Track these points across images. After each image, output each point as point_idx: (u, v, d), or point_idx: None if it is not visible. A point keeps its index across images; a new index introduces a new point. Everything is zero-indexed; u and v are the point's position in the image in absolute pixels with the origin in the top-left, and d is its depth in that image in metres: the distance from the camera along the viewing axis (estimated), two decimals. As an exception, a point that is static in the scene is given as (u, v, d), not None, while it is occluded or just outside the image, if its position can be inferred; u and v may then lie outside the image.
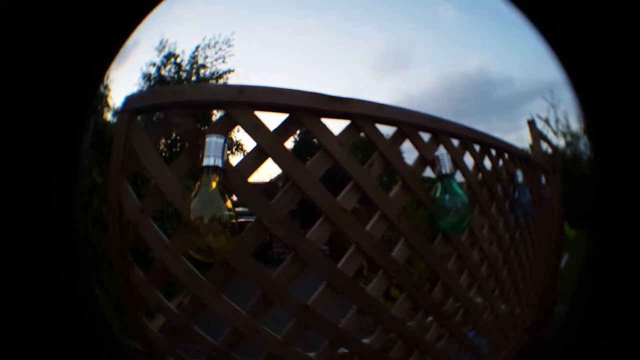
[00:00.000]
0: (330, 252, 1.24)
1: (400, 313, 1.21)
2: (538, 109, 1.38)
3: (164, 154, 1.18)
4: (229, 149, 1.05)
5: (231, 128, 1.07)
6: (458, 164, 1.32)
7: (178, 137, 1.21)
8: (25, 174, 0.63)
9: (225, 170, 1.02)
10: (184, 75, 1.31)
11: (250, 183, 1.07)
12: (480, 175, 1.43)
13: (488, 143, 1.46)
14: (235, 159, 1.08)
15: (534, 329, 1.50)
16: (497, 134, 1.49)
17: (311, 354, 1.12)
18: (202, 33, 1.27)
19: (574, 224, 1.44)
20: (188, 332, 1.08)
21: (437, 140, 1.30)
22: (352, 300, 1.15)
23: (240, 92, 1.07)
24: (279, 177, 1.21)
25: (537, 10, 0.74)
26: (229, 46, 1.26)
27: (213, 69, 1.29)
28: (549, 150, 1.53)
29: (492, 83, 1.47)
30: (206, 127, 1.08)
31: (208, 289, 1.05)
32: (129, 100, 1.13)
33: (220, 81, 1.29)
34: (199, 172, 1.00)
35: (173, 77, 1.29)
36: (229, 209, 0.98)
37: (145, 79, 1.24)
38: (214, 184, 0.99)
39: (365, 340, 1.18)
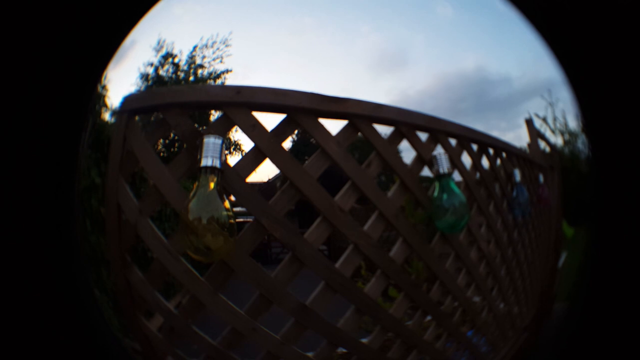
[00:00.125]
0: (329, 252, 1.24)
1: (398, 313, 1.22)
2: (536, 107, 1.37)
3: (162, 155, 1.17)
4: (226, 150, 1.05)
5: (229, 128, 1.08)
6: (456, 163, 1.32)
7: (176, 138, 1.21)
8: (23, 174, 0.63)
9: (223, 170, 1.02)
10: (181, 75, 1.31)
11: (248, 183, 1.07)
12: (478, 174, 1.43)
13: (486, 142, 1.46)
14: (233, 160, 1.08)
15: (532, 327, 1.50)
16: (495, 133, 1.49)
17: (309, 354, 1.12)
18: (199, 33, 1.27)
19: (572, 222, 1.44)
20: (187, 332, 1.08)
21: (434, 139, 1.30)
22: (350, 300, 1.15)
23: (238, 92, 1.07)
24: (277, 178, 1.21)
25: (534, 8, 0.74)
26: (227, 46, 1.26)
27: (211, 69, 1.29)
28: (547, 149, 1.52)
29: (489, 82, 1.47)
30: (204, 128, 1.08)
31: (206, 289, 1.05)
32: (127, 100, 1.13)
33: (218, 81, 1.29)
34: (197, 172, 1.01)
35: (171, 77, 1.29)
36: (227, 210, 0.98)
37: (143, 79, 1.24)
38: (212, 185, 0.99)
39: (364, 340, 1.19)
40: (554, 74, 0.77)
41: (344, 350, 1.16)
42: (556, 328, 0.88)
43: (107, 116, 1.13)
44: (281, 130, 1.10)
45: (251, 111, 1.07)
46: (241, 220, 1.05)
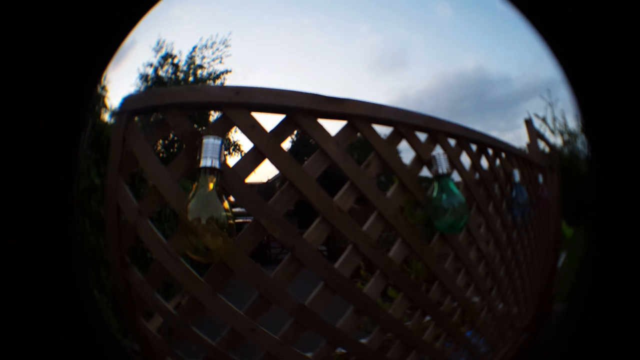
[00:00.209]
0: (328, 253, 1.24)
1: (397, 313, 1.22)
2: (535, 107, 1.37)
3: (161, 155, 1.17)
4: (226, 150, 1.05)
5: (228, 129, 1.08)
6: (455, 163, 1.32)
7: (175, 138, 1.21)
8: (23, 174, 0.63)
9: (222, 171, 1.02)
10: (181, 75, 1.31)
11: (247, 184, 1.07)
12: (477, 174, 1.43)
13: (485, 142, 1.46)
14: (232, 160, 1.08)
15: (531, 327, 1.50)
16: (494, 133, 1.49)
17: (309, 354, 1.12)
18: (199, 33, 1.27)
19: (571, 223, 1.44)
20: (186, 332, 1.08)
21: (433, 140, 1.30)
22: (349, 301, 1.15)
23: (237, 93, 1.08)
24: (276, 178, 1.21)
25: (534, 8, 0.74)
26: (226, 46, 1.26)
27: (210, 70, 1.29)
28: (547, 149, 1.52)
29: (489, 82, 1.47)
30: (203, 128, 1.08)
31: (206, 289, 1.05)
32: (127, 101, 1.13)
33: (218, 82, 1.29)
34: (196, 173, 1.01)
35: (170, 78, 1.29)
36: (226, 210, 0.98)
37: (143, 79, 1.24)
38: (211, 185, 0.99)
39: (363, 340, 1.19)
40: (553, 73, 0.77)
41: (343, 351, 1.16)
42: (555, 328, 0.88)
43: (106, 117, 1.13)
44: (280, 131, 1.10)
45: (250, 112, 1.07)
46: (240, 220, 1.05)
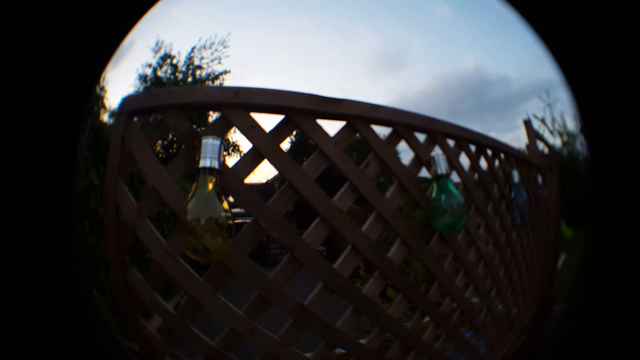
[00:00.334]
0: (327, 253, 1.24)
1: (396, 313, 1.22)
2: (534, 108, 1.37)
3: (160, 156, 1.18)
4: (225, 151, 1.05)
5: (227, 130, 1.08)
6: (454, 164, 1.33)
7: (174, 139, 1.21)
8: (22, 175, 0.63)
9: (221, 171, 1.02)
10: (180, 76, 1.31)
11: (246, 184, 1.07)
12: (476, 175, 1.44)
13: (484, 143, 1.46)
14: (231, 161, 1.08)
15: (531, 328, 1.50)
16: (493, 134, 1.50)
17: (308, 355, 1.12)
18: (198, 34, 1.27)
19: (571, 224, 1.44)
20: (185, 332, 1.08)
21: (432, 140, 1.30)
22: (348, 301, 1.15)
23: (236, 94, 1.08)
24: (275, 179, 1.21)
25: (533, 9, 0.74)
26: (225, 47, 1.26)
27: (209, 70, 1.29)
28: (546, 150, 1.53)
29: (488, 83, 1.47)
30: (202, 129, 1.08)
31: (205, 289, 1.05)
32: (126, 101, 1.13)
33: (217, 82, 1.29)
34: (195, 173, 1.01)
35: (169, 79, 1.29)
36: (225, 210, 0.98)
37: (142, 80, 1.24)
38: (210, 186, 0.99)
39: (362, 341, 1.19)
40: (552, 74, 0.77)
41: (343, 351, 1.17)
42: (555, 329, 0.88)
43: (105, 117, 1.13)
44: (279, 131, 1.10)
45: (249, 112, 1.07)
46: (240, 221, 1.05)
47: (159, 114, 1.11)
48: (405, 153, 1.26)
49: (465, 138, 1.39)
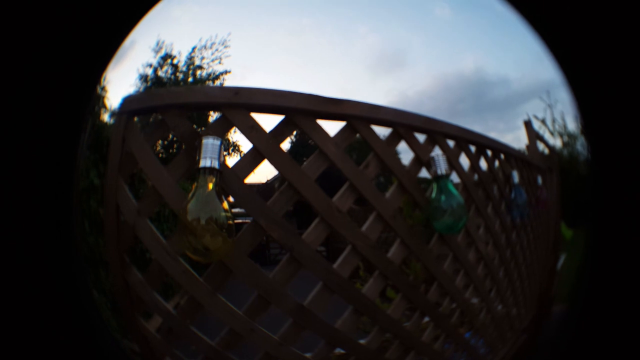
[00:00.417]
0: (327, 253, 1.24)
1: (396, 314, 1.22)
2: (535, 109, 1.37)
3: (160, 156, 1.17)
4: (225, 151, 1.06)
5: (227, 130, 1.08)
6: (454, 164, 1.33)
7: (175, 139, 1.21)
8: (23, 175, 0.63)
9: (221, 171, 1.02)
10: (180, 76, 1.31)
11: (246, 184, 1.07)
12: (476, 176, 1.44)
13: (484, 144, 1.46)
14: (231, 161, 1.08)
15: (531, 329, 1.50)
16: (493, 134, 1.50)
17: (307, 355, 1.12)
18: (198, 34, 1.27)
19: (571, 224, 1.44)
20: (185, 332, 1.08)
21: (432, 141, 1.30)
22: (348, 301, 1.15)
23: (236, 94, 1.08)
24: (275, 179, 1.21)
25: (533, 9, 0.74)
26: (225, 47, 1.26)
27: (209, 70, 1.29)
28: (546, 151, 1.53)
29: (488, 83, 1.47)
30: (203, 129, 1.08)
31: (205, 289, 1.05)
32: (126, 101, 1.13)
33: (217, 82, 1.29)
34: (195, 173, 1.01)
35: (170, 79, 1.29)
36: (225, 210, 0.99)
37: (142, 80, 1.24)
38: (210, 186, 1.00)
39: (362, 341, 1.19)
40: (552, 75, 0.77)
41: (342, 351, 1.17)
42: (555, 330, 0.88)
43: (106, 117, 1.13)
44: (279, 132, 1.10)
45: (249, 112, 1.07)
46: (240, 221, 1.05)
47: (159, 114, 1.11)
48: (405, 153, 1.26)
49: (465, 138, 1.39)
